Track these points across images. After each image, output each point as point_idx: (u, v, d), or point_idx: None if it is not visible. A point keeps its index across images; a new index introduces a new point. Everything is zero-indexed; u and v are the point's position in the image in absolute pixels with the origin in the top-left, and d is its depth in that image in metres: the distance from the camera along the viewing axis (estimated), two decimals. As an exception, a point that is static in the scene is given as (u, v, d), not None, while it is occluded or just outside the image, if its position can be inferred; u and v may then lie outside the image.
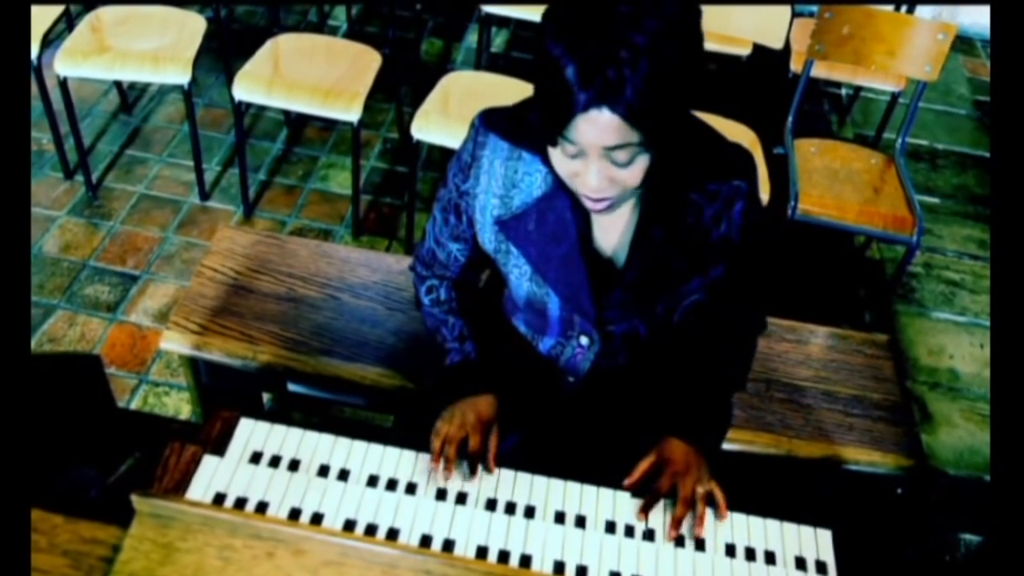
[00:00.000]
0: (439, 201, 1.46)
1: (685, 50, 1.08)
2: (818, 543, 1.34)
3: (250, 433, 1.36)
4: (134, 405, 2.46)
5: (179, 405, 2.47)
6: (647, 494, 1.35)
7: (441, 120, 2.66)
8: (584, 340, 1.44)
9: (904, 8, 3.70)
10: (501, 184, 1.35)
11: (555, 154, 1.18)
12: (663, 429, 1.41)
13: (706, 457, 1.39)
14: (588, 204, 1.22)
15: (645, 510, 1.33)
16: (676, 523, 1.31)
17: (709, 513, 1.35)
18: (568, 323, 1.43)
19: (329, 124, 3.50)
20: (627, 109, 1.06)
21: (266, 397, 2.37)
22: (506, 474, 1.37)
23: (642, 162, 1.15)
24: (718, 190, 1.32)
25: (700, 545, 1.31)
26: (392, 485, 1.33)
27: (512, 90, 2.74)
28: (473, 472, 1.35)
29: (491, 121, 1.35)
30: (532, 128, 1.20)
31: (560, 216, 1.32)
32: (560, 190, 1.30)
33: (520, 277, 1.40)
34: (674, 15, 1.07)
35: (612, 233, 1.35)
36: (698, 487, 1.34)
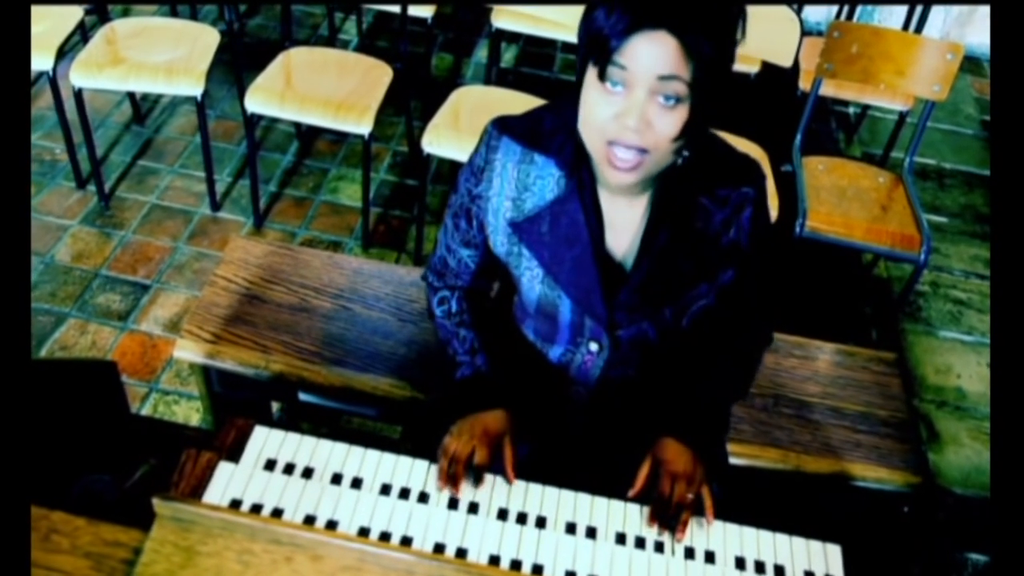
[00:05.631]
0: (450, 208, 1.47)
1: None
2: (827, 558, 1.35)
3: (264, 441, 1.37)
4: (144, 413, 2.47)
5: (188, 413, 2.48)
6: (651, 501, 1.36)
7: (451, 134, 2.68)
8: (593, 346, 1.45)
9: (918, 9, 3.71)
10: (514, 187, 1.36)
11: (594, 96, 1.15)
12: (660, 430, 1.43)
13: (702, 460, 1.39)
14: (616, 165, 1.19)
15: (654, 518, 1.34)
16: (654, 519, 1.33)
17: (701, 521, 1.35)
18: (578, 328, 1.44)
19: (340, 137, 3.53)
20: (686, 31, 1.07)
21: (275, 407, 2.38)
22: (517, 485, 1.38)
23: (682, 112, 1.15)
24: (727, 196, 1.34)
25: (710, 557, 1.32)
26: (405, 494, 1.34)
27: (522, 105, 2.73)
28: (479, 481, 1.35)
29: (504, 125, 1.37)
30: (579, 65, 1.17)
31: (573, 219, 1.33)
32: (573, 193, 1.32)
33: (532, 280, 1.41)
34: None
35: (623, 236, 1.37)
36: (688, 490, 1.35)
